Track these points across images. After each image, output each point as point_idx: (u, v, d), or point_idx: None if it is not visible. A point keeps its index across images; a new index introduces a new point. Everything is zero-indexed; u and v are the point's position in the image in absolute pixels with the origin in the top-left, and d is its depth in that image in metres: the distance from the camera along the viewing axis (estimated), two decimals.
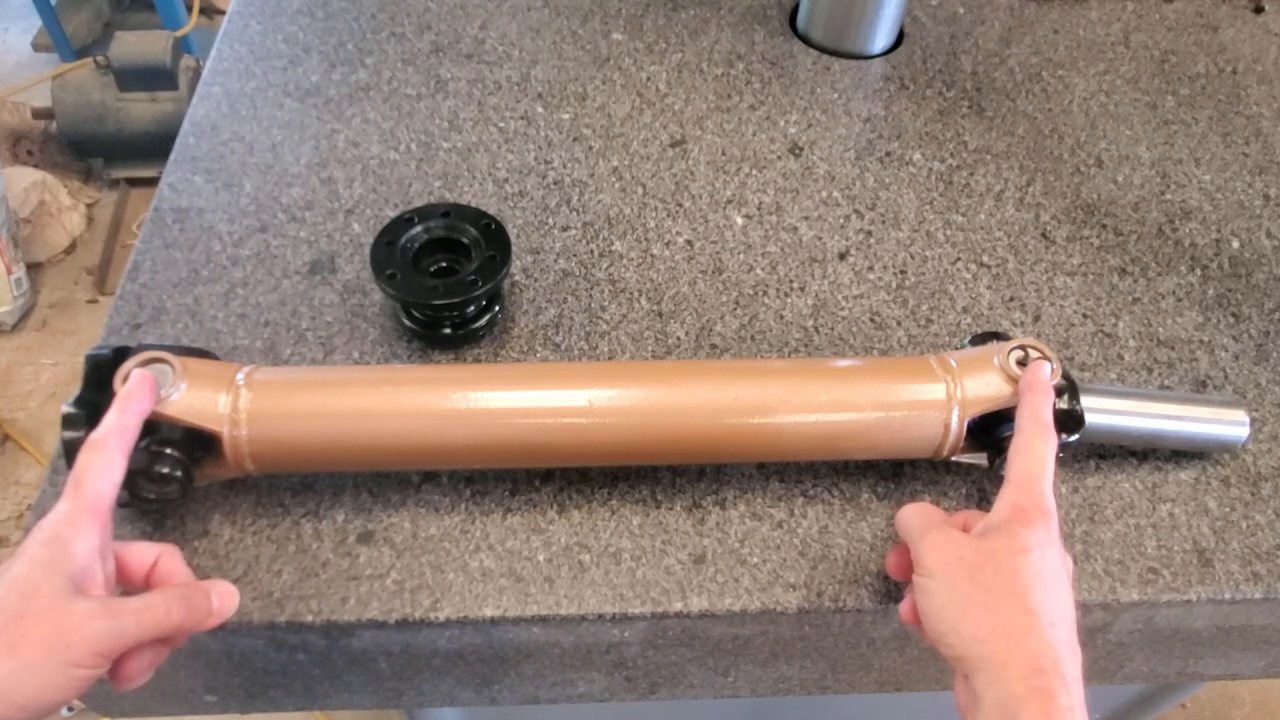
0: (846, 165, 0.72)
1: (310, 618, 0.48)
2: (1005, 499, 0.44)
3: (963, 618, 0.40)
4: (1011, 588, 0.40)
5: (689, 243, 0.66)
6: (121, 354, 0.46)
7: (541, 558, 0.50)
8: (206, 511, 0.51)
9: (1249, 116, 0.79)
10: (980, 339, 0.54)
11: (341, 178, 0.67)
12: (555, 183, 0.69)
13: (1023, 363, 0.49)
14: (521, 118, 0.73)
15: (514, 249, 0.58)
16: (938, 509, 0.47)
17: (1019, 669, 0.38)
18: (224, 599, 0.43)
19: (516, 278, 0.63)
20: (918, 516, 0.46)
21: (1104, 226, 0.69)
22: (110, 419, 0.42)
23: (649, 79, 0.77)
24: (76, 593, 0.39)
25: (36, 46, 2.33)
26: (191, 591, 0.42)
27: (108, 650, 0.39)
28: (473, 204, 0.64)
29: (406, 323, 0.58)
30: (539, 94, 0.75)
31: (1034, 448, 0.45)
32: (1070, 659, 0.39)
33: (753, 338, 0.61)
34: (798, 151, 0.73)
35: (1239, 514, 0.55)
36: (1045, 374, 0.48)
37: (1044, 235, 0.68)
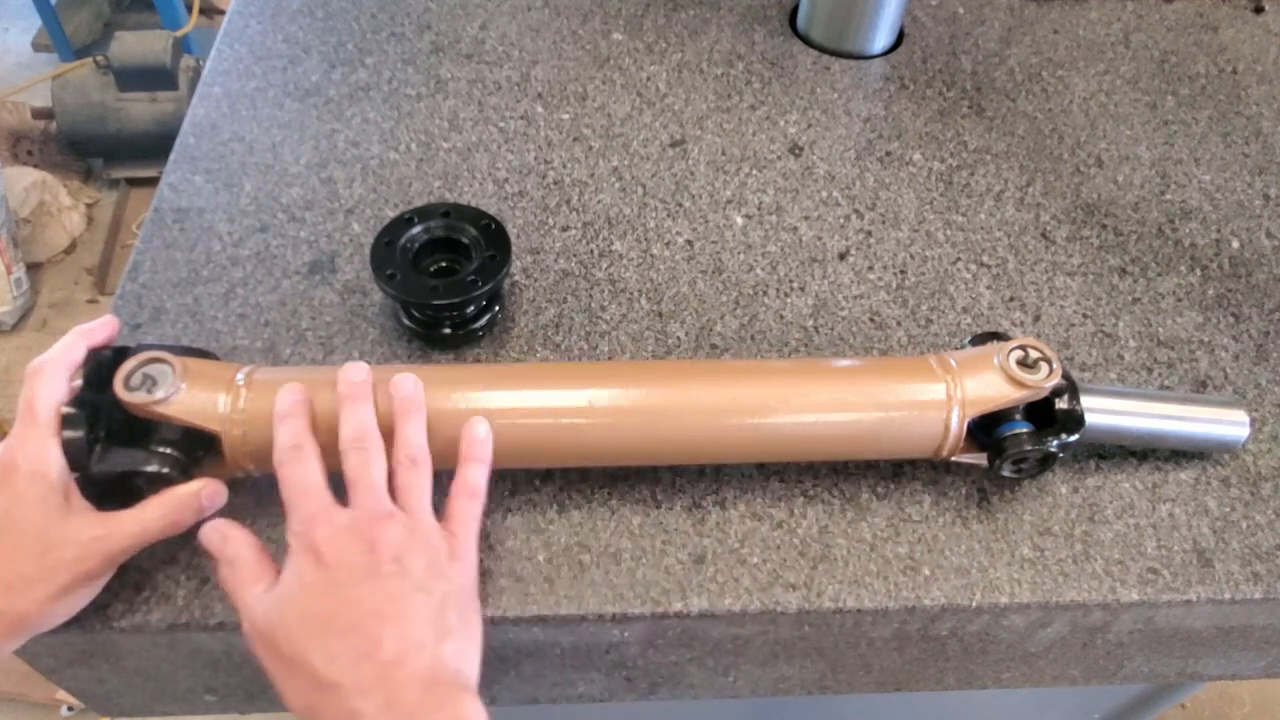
0: (846, 165, 0.72)
1: None
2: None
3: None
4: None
5: (689, 243, 0.66)
6: (121, 354, 0.46)
7: (541, 558, 0.50)
8: None
9: (1249, 116, 0.79)
10: (980, 339, 0.54)
11: (341, 178, 0.67)
12: (555, 183, 0.69)
13: (1023, 363, 0.49)
14: (521, 118, 0.73)
15: (514, 249, 0.58)
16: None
17: None
18: (212, 498, 0.46)
19: (516, 278, 0.63)
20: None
21: (1104, 226, 0.69)
22: (56, 349, 0.46)
23: (649, 79, 0.77)
24: (72, 509, 0.43)
25: (36, 46, 2.33)
26: (180, 497, 0.45)
27: (113, 557, 0.44)
28: (473, 204, 0.64)
29: (406, 323, 0.58)
30: (539, 94, 0.75)
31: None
32: None
33: (753, 338, 0.61)
34: (798, 151, 0.73)
35: (1239, 514, 0.55)
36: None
37: (1044, 235, 0.68)
